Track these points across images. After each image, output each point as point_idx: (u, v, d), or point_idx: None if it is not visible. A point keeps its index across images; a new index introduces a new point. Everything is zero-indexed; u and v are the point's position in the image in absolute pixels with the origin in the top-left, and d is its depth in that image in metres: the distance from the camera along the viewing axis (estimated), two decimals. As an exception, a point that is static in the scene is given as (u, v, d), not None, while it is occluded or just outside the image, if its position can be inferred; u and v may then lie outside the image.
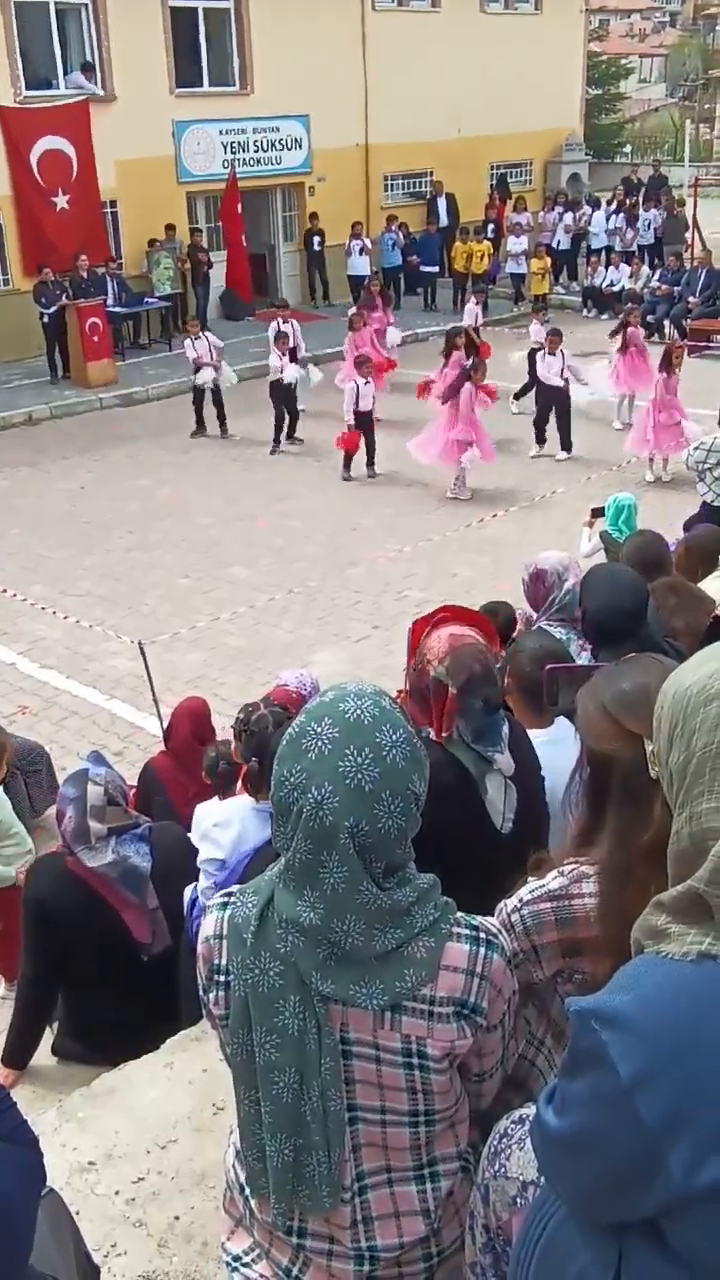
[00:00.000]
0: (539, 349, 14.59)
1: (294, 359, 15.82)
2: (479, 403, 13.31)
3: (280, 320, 16.08)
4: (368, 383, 13.76)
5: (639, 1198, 1.35)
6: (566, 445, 14.51)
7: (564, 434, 14.47)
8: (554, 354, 14.01)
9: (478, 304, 17.73)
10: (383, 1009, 1.81)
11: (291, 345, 15.50)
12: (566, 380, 14.08)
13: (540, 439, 14.62)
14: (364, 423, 13.88)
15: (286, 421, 15.22)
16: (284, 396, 14.99)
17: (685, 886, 1.41)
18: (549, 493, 12.86)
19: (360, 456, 14.05)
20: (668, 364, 13.29)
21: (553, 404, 14.38)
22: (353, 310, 16.51)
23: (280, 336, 15.02)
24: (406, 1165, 1.95)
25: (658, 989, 1.36)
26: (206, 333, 15.83)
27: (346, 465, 14.06)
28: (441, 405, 13.25)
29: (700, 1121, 1.29)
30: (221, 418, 15.83)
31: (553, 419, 14.52)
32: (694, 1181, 1.29)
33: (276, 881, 1.86)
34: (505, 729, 2.82)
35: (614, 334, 15.18)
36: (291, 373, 14.73)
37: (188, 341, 15.57)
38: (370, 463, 14.13)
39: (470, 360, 13.46)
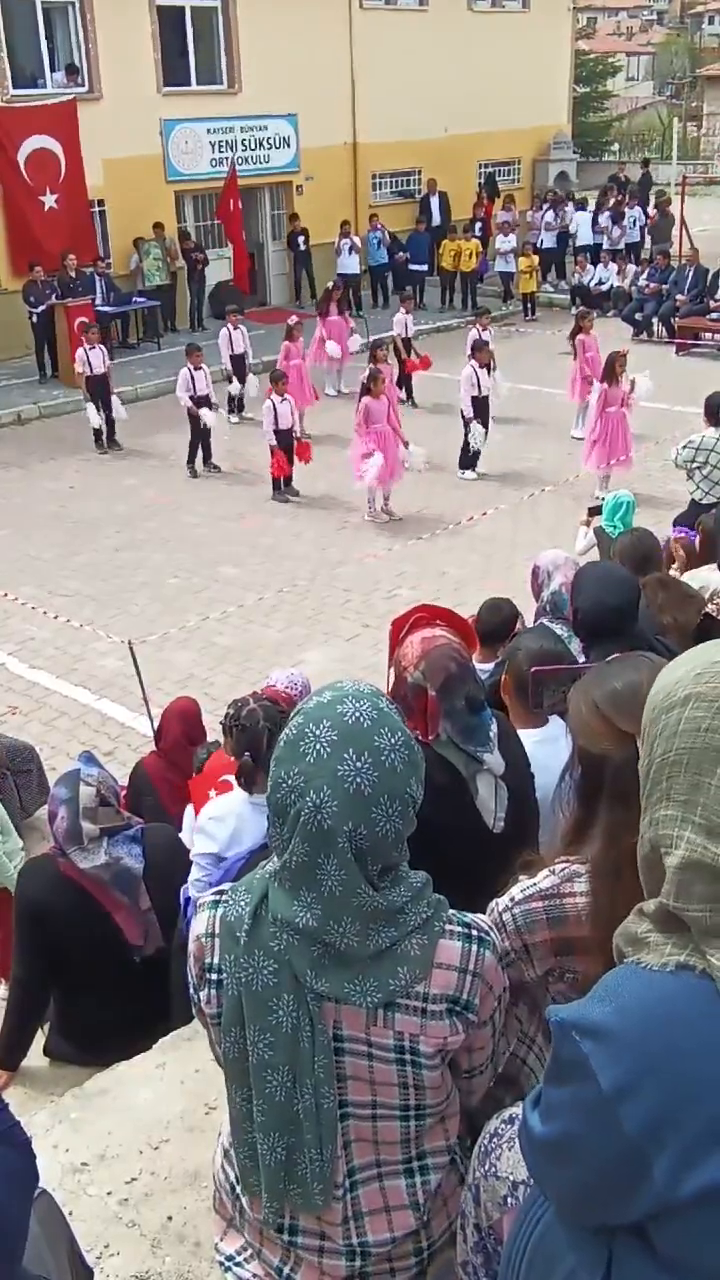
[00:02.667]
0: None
1: (240, 370, 15.77)
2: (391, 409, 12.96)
3: (231, 326, 16.00)
4: (284, 400, 13.29)
5: (625, 1204, 1.37)
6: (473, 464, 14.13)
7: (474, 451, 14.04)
8: (483, 367, 13.63)
9: (408, 312, 17.05)
10: (376, 1007, 1.82)
11: (237, 353, 15.36)
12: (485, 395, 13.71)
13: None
14: (284, 441, 13.41)
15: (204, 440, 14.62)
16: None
17: (657, 902, 1.43)
18: (537, 491, 12.89)
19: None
20: (610, 374, 12.72)
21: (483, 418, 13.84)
22: (293, 320, 16.03)
23: (194, 350, 14.42)
24: (396, 1159, 1.96)
25: (637, 1000, 1.37)
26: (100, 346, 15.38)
27: (276, 486, 13.68)
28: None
29: (683, 1130, 1.30)
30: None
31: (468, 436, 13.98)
32: (678, 1188, 1.30)
33: (270, 880, 1.86)
34: (494, 728, 2.82)
35: (571, 336, 14.79)
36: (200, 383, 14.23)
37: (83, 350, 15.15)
38: (288, 482, 13.71)
39: (367, 371, 13.03)
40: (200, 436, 14.44)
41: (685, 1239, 1.34)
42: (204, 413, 14.28)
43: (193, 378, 14.16)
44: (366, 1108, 1.89)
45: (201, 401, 14.24)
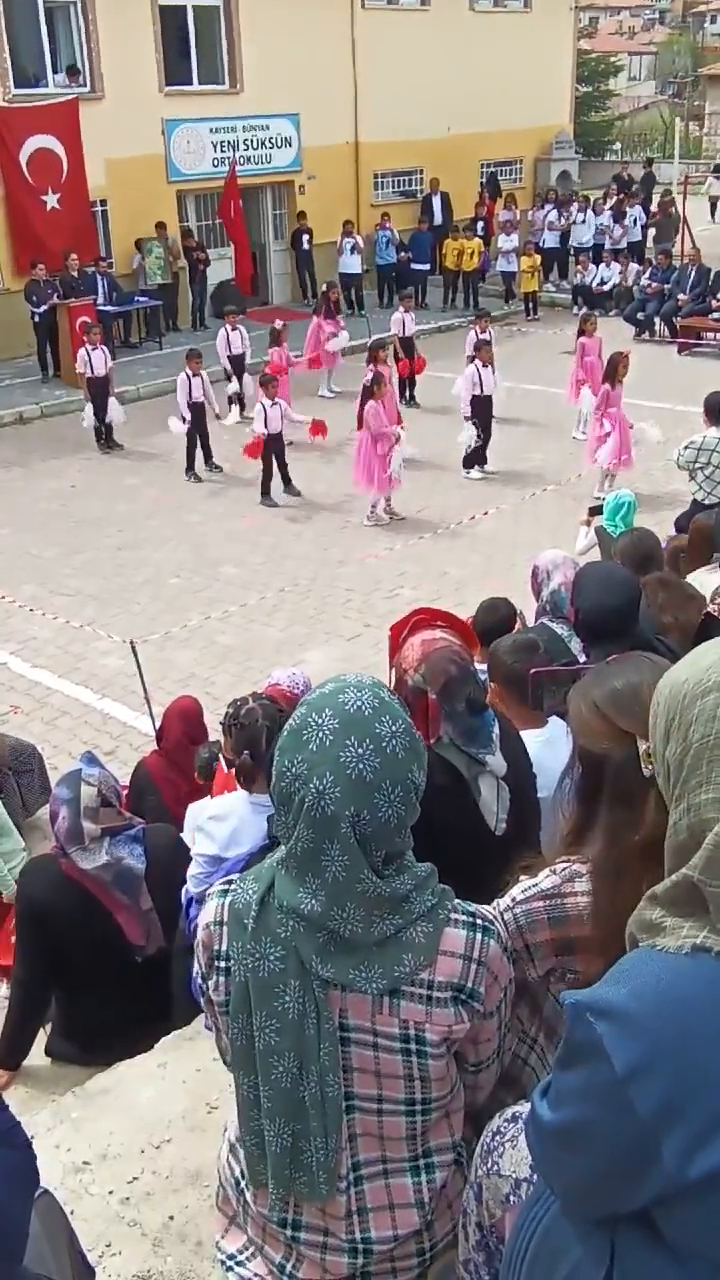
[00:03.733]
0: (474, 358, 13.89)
1: (239, 370, 15.73)
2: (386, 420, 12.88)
3: (229, 327, 15.93)
4: (274, 404, 13.17)
5: (633, 1189, 1.37)
6: (482, 460, 14.11)
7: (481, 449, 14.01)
8: (486, 366, 13.58)
9: (407, 311, 16.66)
10: (381, 993, 1.83)
11: (236, 354, 15.28)
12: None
13: (482, 459, 14.13)
14: (274, 446, 13.34)
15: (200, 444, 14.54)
16: (196, 420, 14.30)
17: (680, 876, 1.42)
18: (539, 490, 12.89)
19: (276, 482, 13.59)
20: (612, 375, 12.71)
21: (485, 415, 13.77)
22: (279, 324, 15.85)
23: (194, 356, 14.30)
24: (402, 1156, 1.97)
25: (652, 982, 1.37)
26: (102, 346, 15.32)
27: (264, 491, 13.56)
28: (359, 430, 12.81)
29: (693, 1113, 1.30)
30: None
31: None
32: (687, 1172, 1.30)
33: (277, 869, 1.88)
34: (496, 729, 2.82)
35: (579, 334, 14.70)
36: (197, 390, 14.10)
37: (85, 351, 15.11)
38: (286, 482, 13.62)
39: (370, 375, 12.80)
40: (194, 440, 14.36)
41: (692, 1222, 1.35)
42: (171, 421, 14.27)
43: (190, 383, 14.09)
44: (372, 1101, 1.90)
45: (197, 408, 14.16)
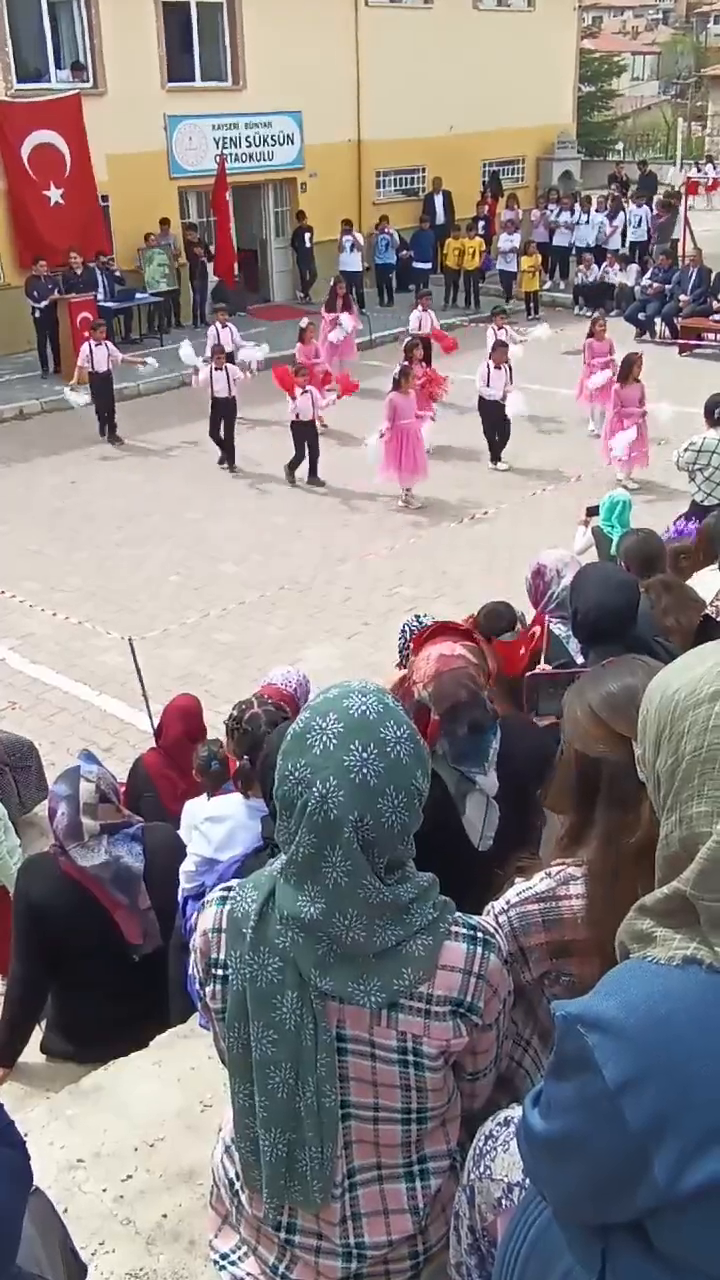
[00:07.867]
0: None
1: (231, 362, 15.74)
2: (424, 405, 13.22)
3: (219, 324, 15.92)
4: (305, 392, 13.33)
5: (624, 1201, 1.36)
6: (497, 457, 14.18)
7: (497, 446, 14.12)
8: (499, 368, 13.54)
9: (425, 310, 16.59)
10: (380, 1007, 1.82)
11: (226, 350, 15.28)
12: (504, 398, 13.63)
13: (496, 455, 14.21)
14: (305, 433, 13.65)
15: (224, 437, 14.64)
16: (223, 412, 14.42)
17: (671, 889, 1.41)
18: (539, 490, 12.89)
19: (303, 466, 13.83)
20: (625, 375, 12.87)
21: (493, 418, 13.94)
22: (305, 321, 15.99)
23: (220, 309, 15.38)
24: (397, 1163, 1.96)
25: (643, 994, 1.36)
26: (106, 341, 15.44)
27: (291, 466, 13.88)
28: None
29: (685, 1125, 1.30)
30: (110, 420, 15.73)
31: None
32: (679, 1185, 1.29)
33: (277, 877, 1.87)
34: (494, 748, 2.77)
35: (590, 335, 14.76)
36: (220, 384, 14.20)
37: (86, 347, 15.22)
38: (313, 471, 13.84)
39: (398, 368, 12.98)
40: (220, 416, 14.35)
41: (683, 1234, 1.34)
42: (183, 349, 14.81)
43: (219, 334, 15.17)
44: (369, 1109, 1.90)
45: (227, 355, 14.53)
